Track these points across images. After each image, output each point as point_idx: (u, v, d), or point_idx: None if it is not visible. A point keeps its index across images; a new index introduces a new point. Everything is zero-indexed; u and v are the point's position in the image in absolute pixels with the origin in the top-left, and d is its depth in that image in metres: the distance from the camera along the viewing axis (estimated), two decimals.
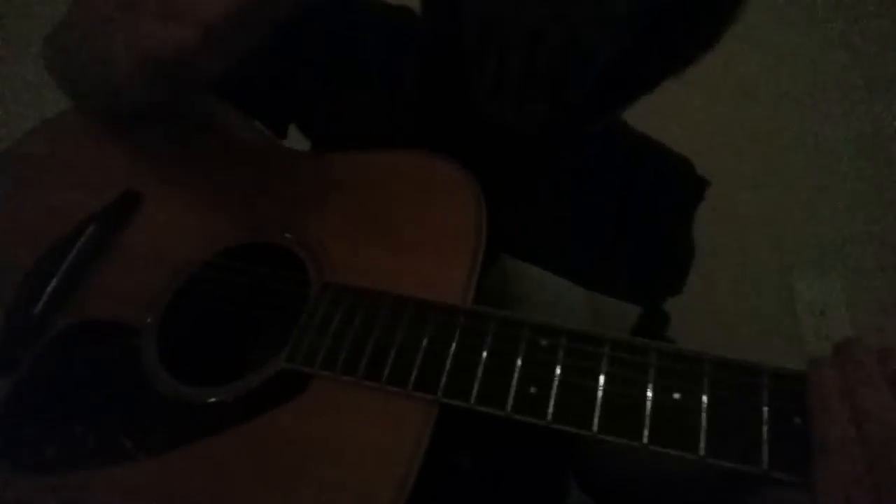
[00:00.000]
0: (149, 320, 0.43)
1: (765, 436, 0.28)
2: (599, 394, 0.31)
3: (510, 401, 0.32)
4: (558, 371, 0.32)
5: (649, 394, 0.30)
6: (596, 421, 0.30)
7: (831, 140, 1.05)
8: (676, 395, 0.30)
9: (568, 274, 0.51)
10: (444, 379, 0.34)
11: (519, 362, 0.33)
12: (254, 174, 0.50)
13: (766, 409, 0.29)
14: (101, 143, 0.53)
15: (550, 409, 0.31)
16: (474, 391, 0.33)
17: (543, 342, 0.34)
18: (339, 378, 0.36)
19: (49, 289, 0.46)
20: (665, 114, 1.04)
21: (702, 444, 0.28)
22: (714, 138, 1.06)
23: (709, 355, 0.31)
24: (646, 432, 0.29)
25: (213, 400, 0.38)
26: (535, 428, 0.48)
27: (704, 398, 0.29)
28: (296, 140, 0.60)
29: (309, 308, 0.40)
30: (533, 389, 0.32)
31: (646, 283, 0.56)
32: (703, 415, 0.29)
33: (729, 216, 1.02)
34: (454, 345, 0.35)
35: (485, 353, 0.34)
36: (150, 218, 0.50)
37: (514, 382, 0.33)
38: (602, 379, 0.31)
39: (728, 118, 1.07)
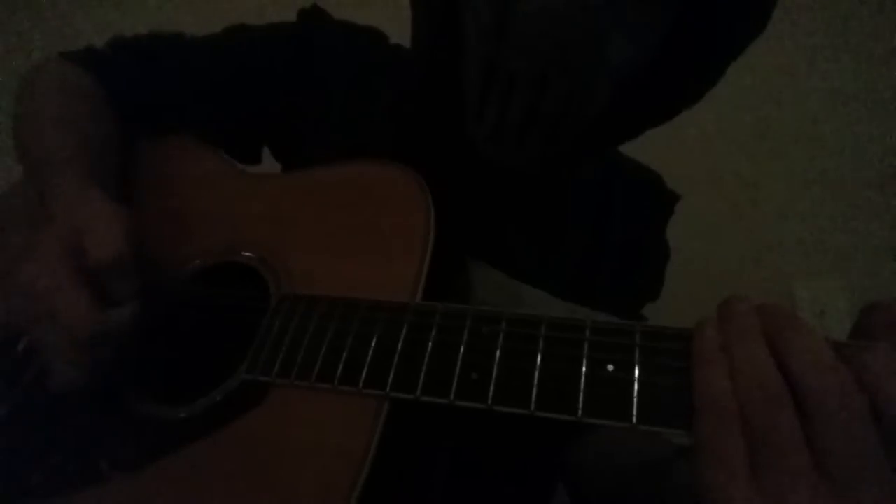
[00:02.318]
0: (121, 347, 0.45)
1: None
2: (537, 373, 0.32)
3: (453, 389, 0.33)
4: (498, 356, 0.33)
5: (584, 368, 0.31)
6: (534, 399, 0.31)
7: (832, 142, 1.05)
8: (610, 367, 0.31)
9: (545, 286, 0.51)
10: (391, 374, 0.35)
11: (462, 351, 0.34)
12: (216, 199, 0.52)
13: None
14: None
15: (491, 393, 0.32)
16: (420, 383, 0.34)
17: (485, 329, 0.34)
18: (294, 384, 0.37)
19: None
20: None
21: (634, 412, 0.29)
22: (715, 141, 1.06)
23: (640, 326, 0.31)
24: (580, 405, 0.30)
25: (182, 416, 0.40)
26: (517, 429, 0.49)
27: (637, 368, 0.30)
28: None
29: (266, 321, 0.41)
30: (475, 375, 0.33)
31: (624, 293, 0.57)
32: (636, 384, 0.29)
33: (729, 218, 1.03)
34: (401, 341, 0.36)
35: (430, 346, 0.35)
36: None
37: (457, 371, 0.33)
38: (539, 359, 0.32)
39: (728, 120, 1.07)
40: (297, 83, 0.58)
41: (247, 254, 0.47)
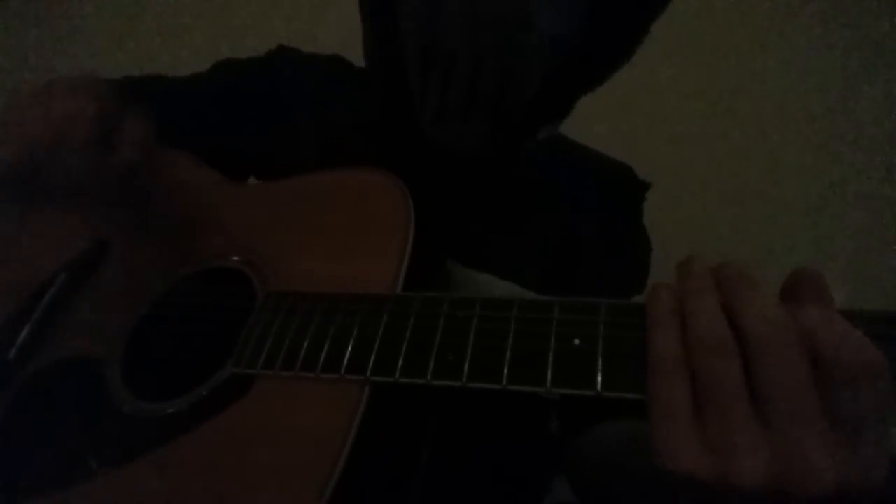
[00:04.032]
0: (113, 351, 0.46)
1: None
2: (508, 351, 0.33)
3: (430, 369, 0.34)
4: (472, 337, 0.35)
5: (552, 344, 0.32)
6: (505, 375, 0.32)
7: (833, 143, 1.07)
8: (576, 341, 0.32)
9: (525, 281, 0.53)
10: (372, 360, 0.36)
11: (438, 335, 0.36)
12: (205, 209, 0.54)
13: None
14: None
15: (465, 371, 0.34)
16: (399, 366, 0.35)
17: (460, 314, 0.36)
18: (279, 374, 0.38)
19: (21, 336, 0.49)
20: (672, 117, 1.09)
21: (598, 381, 0.30)
22: (716, 144, 1.09)
23: (605, 302, 0.33)
24: (549, 378, 0.31)
25: (170, 411, 0.41)
26: (500, 421, 0.50)
27: (601, 340, 0.32)
28: None
29: (252, 317, 0.43)
30: (451, 357, 0.34)
31: (607, 286, 0.59)
32: (600, 355, 0.31)
33: (728, 219, 1.05)
34: (381, 328, 0.37)
35: (409, 331, 0.36)
36: (117, 260, 0.53)
37: (434, 353, 0.35)
38: (511, 337, 0.34)
39: (728, 120, 1.10)
40: (270, 108, 0.62)
41: (234, 258, 0.48)
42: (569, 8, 0.45)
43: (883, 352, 0.24)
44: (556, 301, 0.34)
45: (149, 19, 1.20)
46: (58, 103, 0.44)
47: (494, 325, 0.35)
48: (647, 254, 0.63)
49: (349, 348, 0.37)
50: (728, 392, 0.25)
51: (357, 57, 0.58)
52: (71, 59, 1.19)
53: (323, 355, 0.38)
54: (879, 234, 1.01)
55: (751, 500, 0.25)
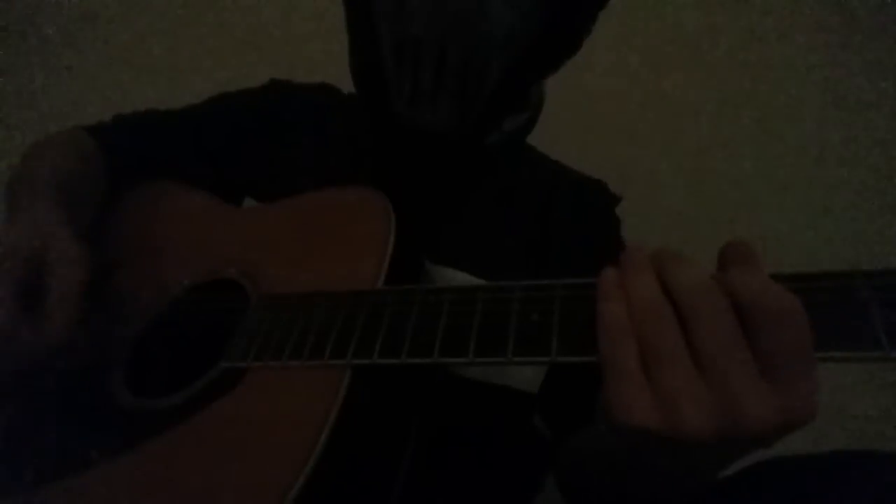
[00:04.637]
0: (116, 358, 0.49)
1: None
2: (474, 329, 0.36)
3: (405, 349, 0.37)
4: (443, 319, 0.38)
5: (513, 320, 0.36)
6: (472, 349, 0.36)
7: (831, 144, 1.10)
8: (535, 316, 0.35)
9: (494, 277, 0.56)
10: (352, 345, 0.39)
11: (412, 319, 0.39)
12: (202, 229, 0.58)
13: None
14: None
15: (436, 350, 0.37)
16: (377, 349, 0.38)
17: (432, 299, 0.39)
18: (268, 365, 0.41)
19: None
20: (673, 117, 1.13)
21: (554, 349, 0.33)
22: (717, 145, 1.12)
23: (561, 282, 0.36)
24: (510, 350, 0.34)
25: (166, 405, 0.44)
26: (484, 415, 0.52)
27: (556, 314, 0.35)
28: None
29: (245, 318, 0.46)
30: (423, 337, 0.38)
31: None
32: (556, 326, 0.34)
33: (729, 220, 1.07)
34: (362, 317, 0.41)
35: (385, 319, 0.40)
36: (126, 278, 0.57)
37: (409, 335, 0.38)
38: (477, 316, 0.37)
39: (726, 118, 1.13)
40: (266, 135, 0.67)
41: (231, 270, 0.52)
42: (521, 2, 0.52)
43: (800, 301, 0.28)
44: (517, 285, 0.38)
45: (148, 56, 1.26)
46: None
47: (462, 307, 0.38)
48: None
49: (332, 337, 0.40)
50: (668, 350, 0.28)
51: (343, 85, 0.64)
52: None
53: (308, 344, 0.41)
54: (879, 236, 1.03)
55: (700, 445, 0.27)
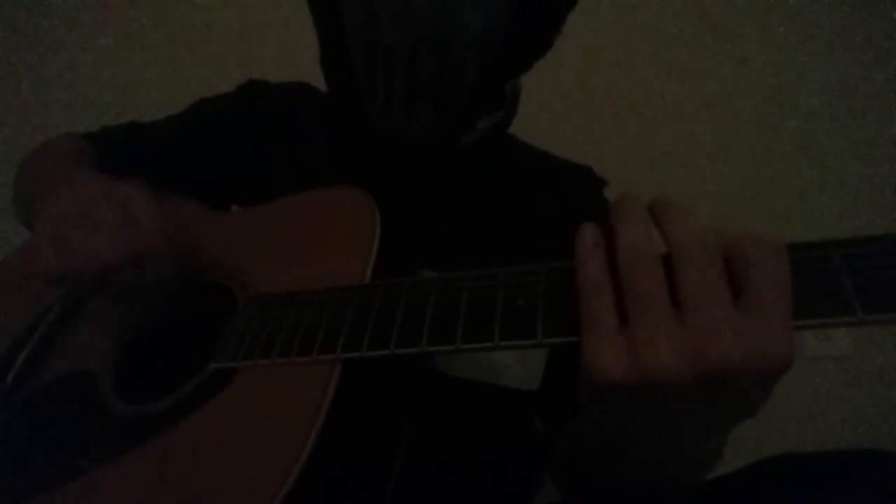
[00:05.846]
0: (105, 365, 0.49)
1: None
2: (461, 316, 0.37)
3: (393, 341, 0.38)
4: (430, 308, 0.38)
5: (499, 306, 0.36)
6: (459, 336, 0.36)
7: (833, 144, 1.12)
8: (520, 301, 0.36)
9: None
10: (341, 339, 0.40)
11: (400, 310, 0.39)
12: (192, 232, 0.58)
13: None
14: None
15: (425, 339, 0.37)
16: (365, 341, 0.39)
17: (419, 290, 0.40)
18: (257, 364, 0.42)
19: (18, 363, 0.52)
20: (673, 117, 1.14)
21: (539, 332, 0.34)
22: (717, 146, 1.15)
23: (544, 266, 0.37)
24: (496, 335, 0.35)
25: (157, 409, 0.43)
26: (476, 412, 0.52)
27: (540, 297, 0.35)
28: None
29: (234, 319, 0.46)
30: (411, 327, 0.38)
31: None
32: (541, 310, 0.35)
33: (727, 221, 1.09)
34: (350, 311, 0.41)
35: (373, 312, 0.40)
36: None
37: (397, 326, 0.38)
38: (463, 304, 0.37)
39: (731, 125, 1.16)
40: (246, 139, 0.67)
41: (218, 272, 0.52)
42: (491, 5, 0.51)
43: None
44: (502, 271, 0.38)
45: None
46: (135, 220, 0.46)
47: (449, 296, 0.38)
48: None
49: (321, 333, 0.41)
50: (651, 295, 0.28)
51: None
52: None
53: (297, 341, 0.41)
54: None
55: (680, 397, 0.27)
